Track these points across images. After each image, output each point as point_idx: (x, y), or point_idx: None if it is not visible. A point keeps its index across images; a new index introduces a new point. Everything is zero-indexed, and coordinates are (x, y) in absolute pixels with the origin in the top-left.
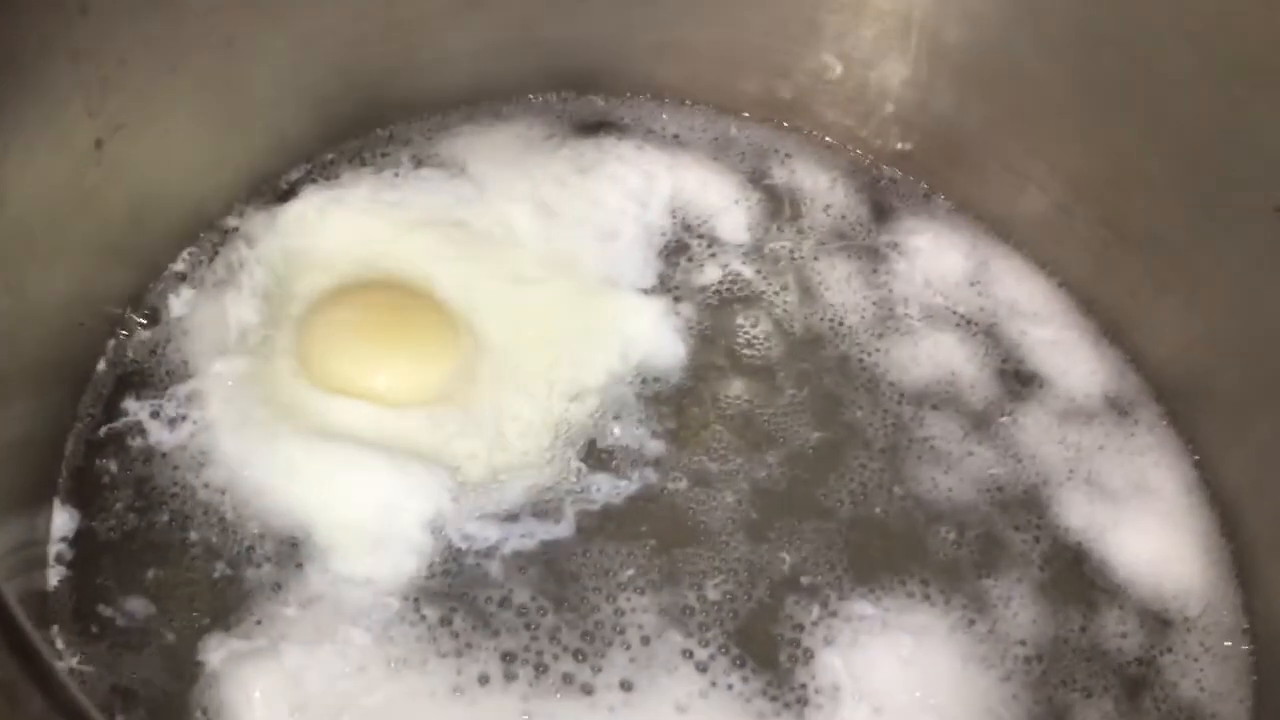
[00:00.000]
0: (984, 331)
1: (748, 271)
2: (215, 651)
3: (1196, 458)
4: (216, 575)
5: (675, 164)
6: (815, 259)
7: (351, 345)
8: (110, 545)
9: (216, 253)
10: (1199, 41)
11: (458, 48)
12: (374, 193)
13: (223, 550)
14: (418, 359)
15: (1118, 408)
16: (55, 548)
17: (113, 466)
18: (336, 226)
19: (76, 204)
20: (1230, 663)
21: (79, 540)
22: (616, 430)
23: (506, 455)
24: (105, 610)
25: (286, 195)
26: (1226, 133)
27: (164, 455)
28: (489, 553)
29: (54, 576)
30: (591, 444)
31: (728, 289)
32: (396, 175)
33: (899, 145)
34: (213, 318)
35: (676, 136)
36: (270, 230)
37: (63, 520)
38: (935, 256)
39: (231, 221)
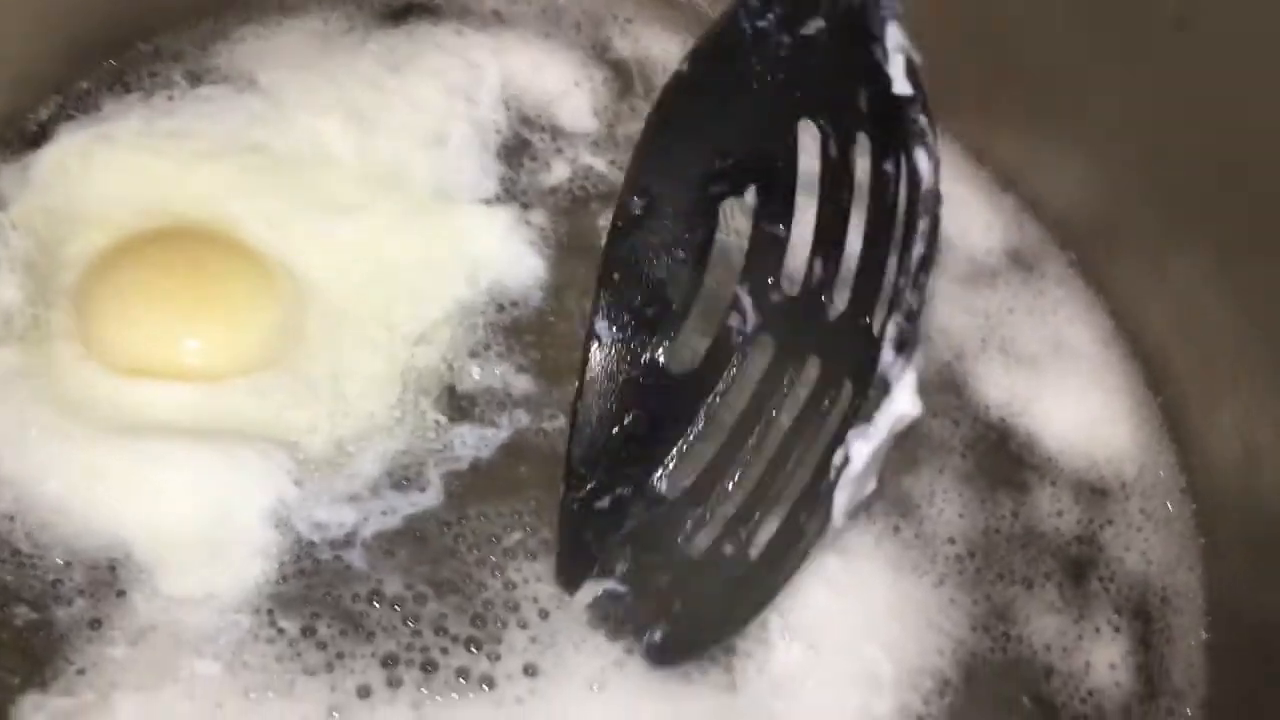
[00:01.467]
0: None
1: (601, 164)
2: (33, 715)
3: (1112, 308)
4: (19, 622)
5: (501, 47)
6: None
7: (145, 314)
8: None
9: None
10: None
11: None
12: (146, 123)
13: (22, 590)
14: (229, 320)
15: (1022, 263)
16: None
17: None
18: (106, 171)
19: None
20: (1174, 527)
21: None
22: (475, 371)
23: (351, 421)
24: None
25: (37, 139)
26: None
27: None
28: (348, 540)
29: None
30: (449, 391)
31: (581, 187)
32: (171, 98)
33: None
34: None
35: (497, 13)
36: (23, 186)
37: None
38: None
39: None
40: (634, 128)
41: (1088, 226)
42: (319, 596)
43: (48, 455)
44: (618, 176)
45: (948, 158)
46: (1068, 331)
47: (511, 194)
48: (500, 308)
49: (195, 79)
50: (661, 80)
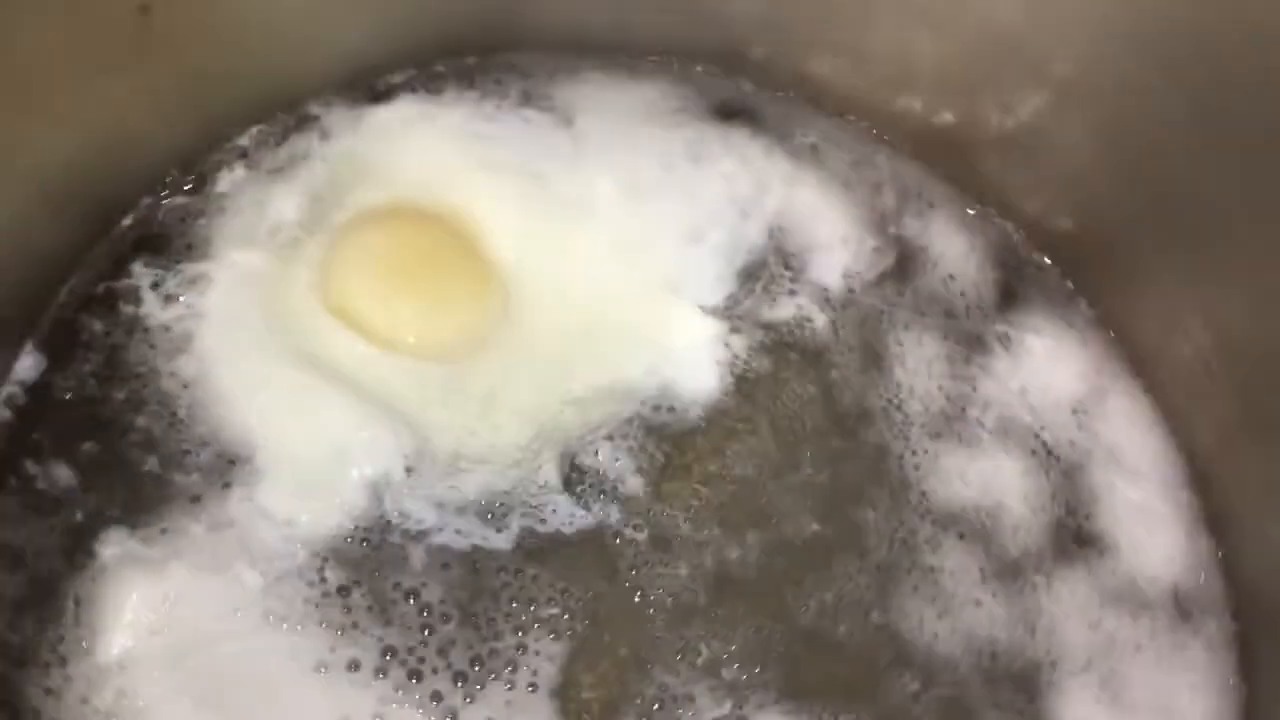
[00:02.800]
0: (1063, 471)
1: (822, 320)
2: (112, 546)
3: (1246, 697)
4: (146, 468)
5: (797, 179)
6: (905, 327)
7: (372, 273)
8: (62, 405)
9: (286, 138)
10: None
11: None
12: (467, 120)
13: (161, 446)
14: (436, 309)
15: (1183, 610)
16: (9, 389)
17: (96, 325)
18: (417, 145)
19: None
20: None
21: (34, 390)
22: (602, 452)
23: (478, 441)
24: (31, 467)
25: (380, 98)
26: None
27: (147, 330)
28: (418, 537)
29: None
30: (570, 458)
31: (792, 333)
32: (498, 107)
33: (1059, 221)
34: (254, 204)
35: (814, 148)
36: (350, 131)
37: (27, 364)
38: (1048, 365)
39: (314, 109)
40: (873, 300)
41: (1268, 607)
42: (369, 569)
43: (239, 350)
44: (830, 338)
45: (1167, 471)
46: (1185, 698)
47: (729, 313)
48: (657, 407)
49: (526, 98)
50: (927, 272)
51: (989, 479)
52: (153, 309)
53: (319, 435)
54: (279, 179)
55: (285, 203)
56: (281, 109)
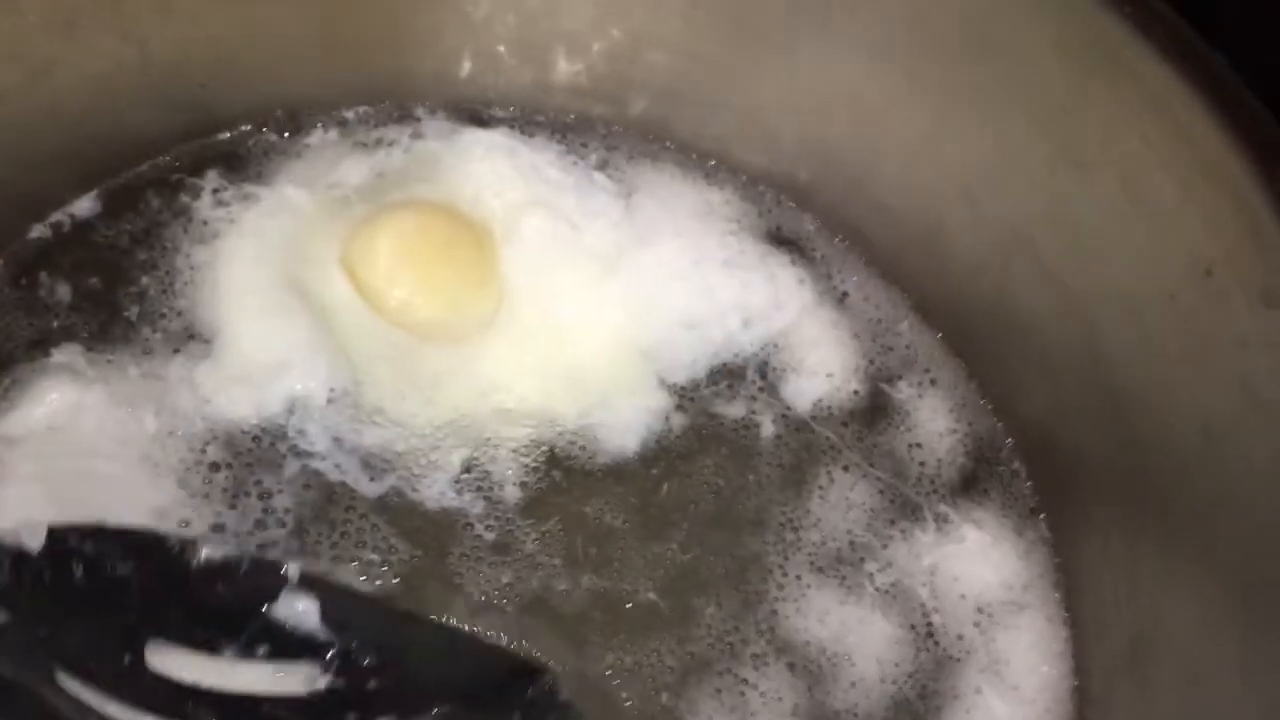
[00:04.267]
0: (936, 659)
1: (769, 431)
2: (64, 354)
3: None
4: (125, 313)
5: (813, 314)
6: (845, 469)
7: (389, 242)
8: (93, 244)
9: (384, 123)
10: None
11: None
12: (542, 165)
13: (147, 302)
14: (426, 289)
15: None
16: (60, 216)
17: (154, 201)
18: (491, 168)
19: None
20: None
21: (78, 224)
22: (500, 457)
23: (401, 407)
24: (43, 278)
25: (481, 122)
26: None
27: (190, 219)
28: (300, 455)
29: (35, 231)
30: (470, 452)
31: (734, 431)
32: (574, 164)
33: (1046, 437)
34: (329, 160)
35: (845, 296)
36: (442, 138)
37: (85, 205)
38: (974, 560)
39: (419, 112)
40: (828, 435)
41: None
42: (244, 460)
43: (249, 258)
44: (763, 450)
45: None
46: None
47: (685, 393)
48: (571, 442)
49: (601, 165)
50: (897, 434)
51: (850, 629)
52: (203, 206)
53: (273, 344)
54: (360, 151)
55: (354, 170)
56: (392, 100)
